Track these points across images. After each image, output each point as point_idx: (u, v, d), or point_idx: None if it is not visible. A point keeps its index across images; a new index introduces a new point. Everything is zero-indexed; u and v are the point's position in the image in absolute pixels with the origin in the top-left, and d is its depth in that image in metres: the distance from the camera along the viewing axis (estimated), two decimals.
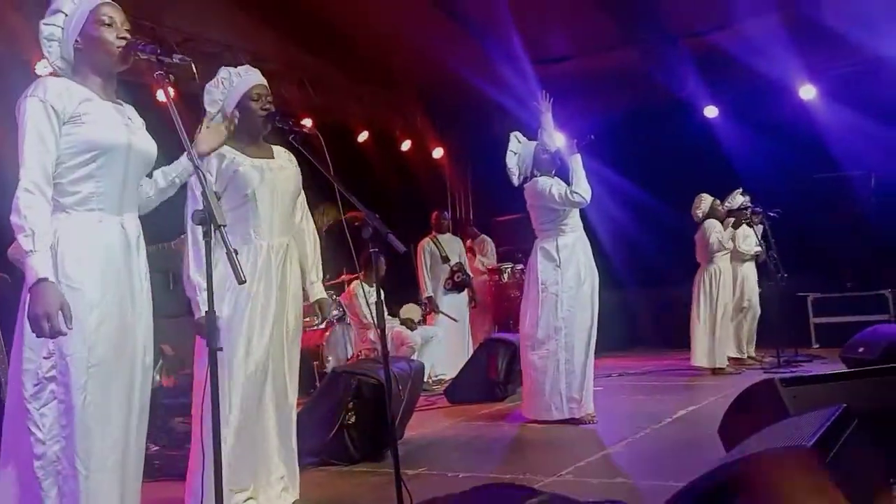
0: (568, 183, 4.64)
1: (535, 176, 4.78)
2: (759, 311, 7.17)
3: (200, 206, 2.23)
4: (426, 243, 7.46)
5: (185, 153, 2.40)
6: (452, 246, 7.61)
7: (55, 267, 2.13)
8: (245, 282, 2.20)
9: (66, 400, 2.12)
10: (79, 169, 2.20)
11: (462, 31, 8.08)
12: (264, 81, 3.11)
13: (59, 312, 2.03)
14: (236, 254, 2.17)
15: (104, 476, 2.15)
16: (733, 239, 6.87)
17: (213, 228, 2.24)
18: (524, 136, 4.95)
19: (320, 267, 3.29)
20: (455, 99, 9.75)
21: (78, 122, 2.19)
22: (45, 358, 2.13)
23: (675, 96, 8.57)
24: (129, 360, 2.26)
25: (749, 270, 7.14)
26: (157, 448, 4.00)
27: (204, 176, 2.29)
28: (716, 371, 6.59)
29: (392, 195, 8.52)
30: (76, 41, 2.29)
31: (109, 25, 2.29)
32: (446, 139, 10.28)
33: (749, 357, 7.16)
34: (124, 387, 2.24)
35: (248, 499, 2.87)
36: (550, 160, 4.77)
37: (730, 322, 6.85)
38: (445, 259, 7.40)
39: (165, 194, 2.51)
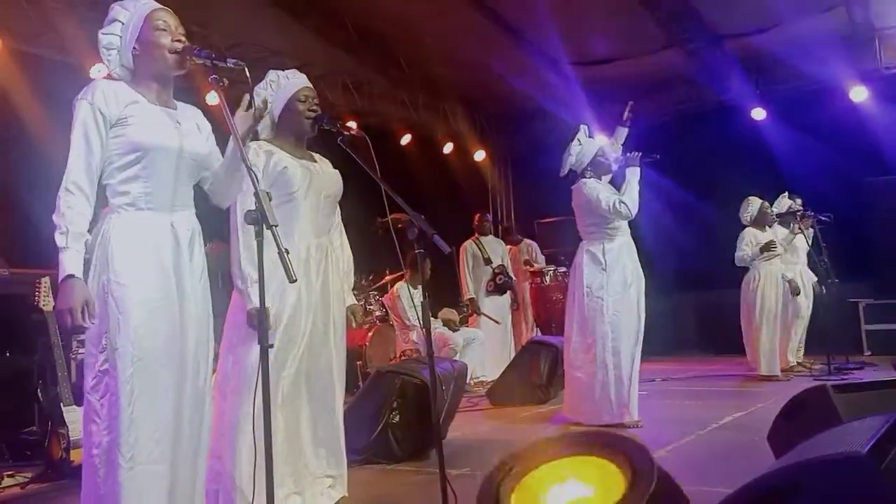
0: (618, 189, 4.61)
1: (588, 174, 4.74)
2: (808, 317, 7.03)
3: (253, 207, 2.28)
4: (468, 245, 7.48)
5: (229, 148, 2.48)
6: (494, 248, 7.62)
7: (107, 264, 2.21)
8: (296, 280, 2.24)
9: (114, 393, 2.19)
10: (126, 170, 2.28)
11: (504, 34, 8.08)
12: (311, 85, 3.16)
13: (84, 307, 2.11)
14: (287, 253, 2.22)
15: (148, 468, 2.20)
16: (783, 241, 6.76)
17: (264, 228, 2.30)
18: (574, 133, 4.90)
19: (352, 277, 3.33)
20: (496, 101, 9.76)
21: (124, 123, 2.27)
22: (100, 352, 2.21)
23: (721, 98, 8.46)
24: (178, 355, 2.31)
25: (798, 275, 6.99)
26: None
27: (256, 177, 2.34)
28: (764, 378, 6.47)
29: (434, 198, 8.54)
30: (134, 47, 2.36)
31: (164, 30, 2.36)
32: (488, 142, 10.29)
33: (798, 364, 7.02)
34: (173, 382, 2.29)
35: (290, 494, 2.90)
36: (607, 166, 4.73)
37: (777, 328, 6.71)
38: (488, 261, 7.40)
39: (233, 184, 2.55)
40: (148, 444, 2.20)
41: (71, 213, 2.16)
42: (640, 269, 4.77)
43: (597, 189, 4.63)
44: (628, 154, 4.69)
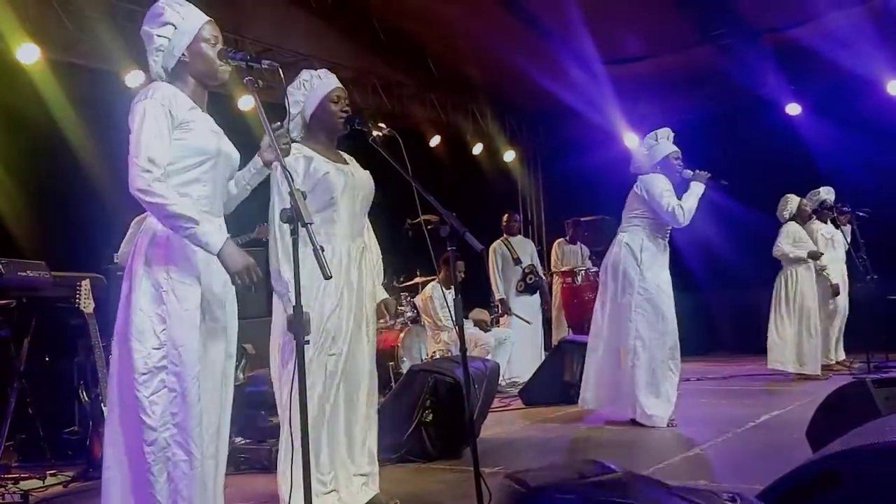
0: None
1: (657, 171, 4.68)
2: (847, 315, 6.90)
3: (288, 205, 2.31)
4: (498, 245, 7.46)
5: (254, 162, 2.55)
6: (524, 247, 7.60)
7: (166, 262, 2.26)
8: (331, 277, 2.26)
9: (179, 389, 2.22)
10: (186, 173, 2.32)
11: (533, 33, 8.07)
12: (342, 85, 3.19)
13: (249, 268, 2.23)
14: (322, 251, 2.24)
15: (208, 462, 2.28)
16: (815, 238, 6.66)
17: (299, 226, 2.32)
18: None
19: (381, 272, 3.34)
20: (526, 102, 9.75)
21: (186, 128, 2.32)
22: (154, 349, 2.23)
23: (755, 94, 8.34)
24: (221, 355, 2.38)
25: (836, 272, 6.87)
26: (243, 442, 4.13)
27: (290, 175, 2.37)
28: (800, 376, 6.36)
29: (463, 198, 8.56)
30: (183, 54, 2.40)
31: (214, 45, 2.42)
32: (517, 142, 10.29)
33: (837, 362, 6.89)
34: (217, 382, 2.37)
35: (329, 492, 2.93)
36: (676, 172, 4.66)
37: (815, 326, 6.59)
38: (517, 261, 7.38)
39: (239, 199, 2.62)
40: (207, 439, 2.28)
41: (174, 196, 2.22)
42: (670, 282, 4.70)
43: (663, 185, 4.57)
44: (698, 171, 4.65)
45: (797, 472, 1.67)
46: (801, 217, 6.77)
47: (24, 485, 3.71)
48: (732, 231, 8.14)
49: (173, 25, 2.40)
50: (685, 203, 4.52)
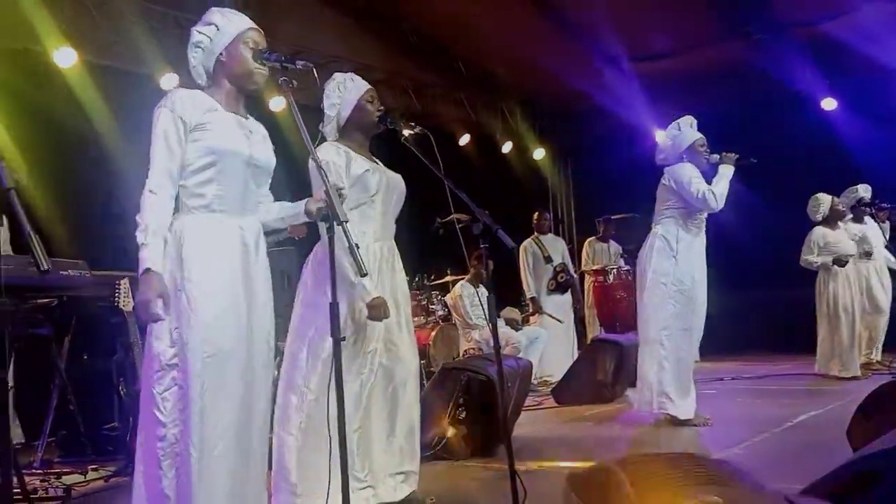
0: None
1: (684, 160, 4.63)
2: (888, 313, 6.76)
3: (323, 204, 2.34)
4: (528, 244, 7.44)
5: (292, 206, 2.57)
6: (555, 246, 7.57)
7: (180, 262, 2.29)
8: (366, 274, 2.29)
9: (185, 386, 2.25)
10: (201, 173, 2.36)
11: (562, 31, 8.04)
12: (372, 87, 3.23)
13: (159, 300, 2.19)
14: (357, 248, 2.27)
15: (213, 461, 2.25)
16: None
17: (335, 225, 2.35)
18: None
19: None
20: (555, 100, 9.71)
21: (203, 129, 2.35)
22: (168, 347, 2.28)
23: (788, 89, 8.20)
24: (245, 353, 2.36)
25: (875, 270, 6.74)
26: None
27: (326, 175, 2.40)
28: (840, 377, 6.26)
29: (493, 197, 8.54)
30: (221, 54, 2.45)
31: (253, 49, 2.46)
32: (547, 140, 10.25)
33: (877, 362, 6.75)
34: (241, 380, 2.34)
35: (363, 487, 2.95)
36: (703, 159, 4.59)
37: (854, 325, 6.48)
38: (548, 259, 7.36)
39: (271, 227, 2.65)
40: (213, 437, 2.26)
41: (150, 212, 2.26)
42: (706, 275, 4.66)
43: (691, 173, 4.51)
44: (725, 153, 4.59)
45: (838, 471, 1.65)
46: (834, 217, 6.61)
47: (67, 479, 3.78)
48: (766, 230, 8.02)
49: (216, 26, 2.46)
50: (716, 187, 4.45)
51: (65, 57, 5.56)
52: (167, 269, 2.29)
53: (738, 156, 4.57)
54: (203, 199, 2.36)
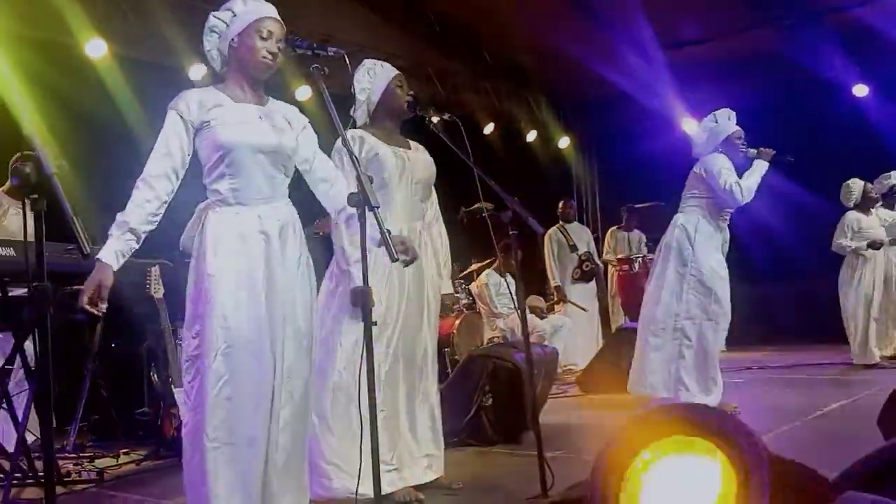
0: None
1: (719, 151, 4.57)
2: None
3: (355, 189, 2.35)
4: (553, 232, 7.43)
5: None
6: (580, 235, 7.55)
7: (202, 256, 2.33)
8: (398, 260, 2.30)
9: (204, 376, 2.29)
10: (214, 169, 2.39)
11: (588, 19, 7.97)
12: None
13: (97, 289, 2.21)
14: (389, 234, 2.28)
15: (230, 449, 2.27)
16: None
17: (366, 210, 2.36)
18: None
19: (449, 265, 3.37)
20: (580, 88, 9.64)
21: (208, 127, 2.38)
22: (193, 338, 2.32)
23: (818, 76, 8.07)
24: (267, 344, 2.36)
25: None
26: None
27: (357, 160, 2.42)
28: (867, 366, 6.18)
29: (517, 186, 8.50)
30: (233, 39, 2.46)
31: (266, 39, 2.44)
32: (572, 129, 10.19)
33: None
34: (261, 370, 2.34)
35: (390, 470, 2.96)
36: (740, 152, 4.53)
37: (880, 314, 6.39)
38: (573, 248, 7.34)
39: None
40: (228, 425, 2.27)
41: (131, 205, 2.31)
42: (726, 269, 4.61)
43: (722, 164, 4.43)
44: (762, 149, 4.52)
45: (872, 457, 1.64)
46: (866, 204, 6.54)
47: (99, 463, 3.86)
48: (796, 219, 7.92)
49: (233, 12, 2.46)
50: (745, 181, 4.38)
51: (96, 49, 5.63)
52: (194, 262, 2.35)
53: (775, 152, 4.50)
54: (219, 194, 2.40)
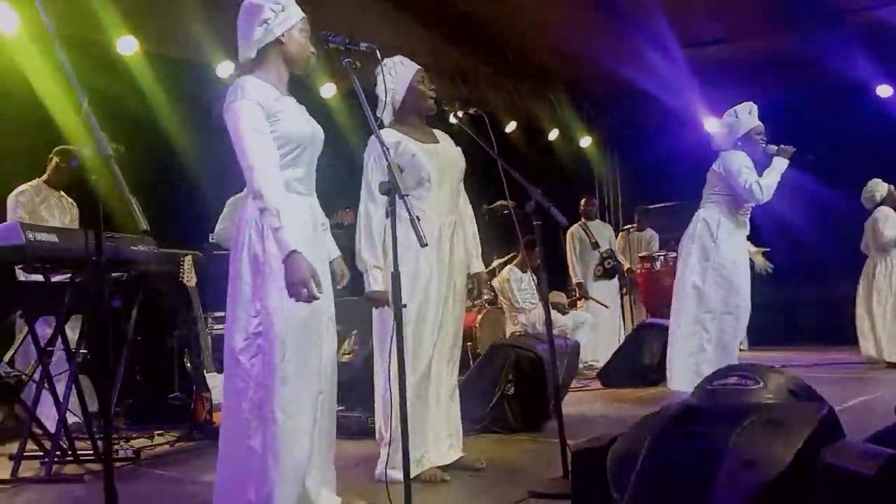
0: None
1: (738, 147, 4.60)
2: None
3: (386, 178, 2.45)
4: (575, 230, 7.49)
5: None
6: (602, 232, 7.60)
7: (261, 239, 2.38)
8: (427, 245, 2.39)
9: (269, 353, 2.37)
10: (282, 160, 2.45)
11: (610, 18, 8.01)
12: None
13: (312, 279, 2.28)
14: (419, 220, 2.37)
15: (297, 424, 2.37)
16: None
17: (396, 198, 2.46)
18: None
19: (479, 243, 3.46)
20: (602, 87, 9.67)
21: (275, 118, 2.44)
22: (253, 316, 2.39)
23: (841, 77, 8.05)
24: (317, 324, 2.48)
25: None
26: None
27: (387, 150, 2.52)
28: (891, 365, 6.18)
29: (539, 184, 8.56)
30: (283, 35, 2.51)
31: (307, 37, 2.56)
32: (594, 127, 10.22)
33: None
34: (315, 349, 2.46)
35: (421, 455, 3.08)
36: (759, 148, 4.56)
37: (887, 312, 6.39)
38: (595, 245, 7.40)
39: None
40: (297, 402, 2.37)
41: (271, 194, 2.30)
42: (747, 260, 4.64)
43: (742, 162, 4.46)
44: (782, 146, 4.53)
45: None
46: (890, 204, 6.53)
47: (135, 443, 4.00)
48: (819, 219, 7.92)
49: (283, 6, 2.52)
50: (765, 179, 4.41)
51: (127, 46, 5.76)
52: (249, 243, 2.39)
53: (795, 150, 4.52)
54: (282, 182, 2.43)
